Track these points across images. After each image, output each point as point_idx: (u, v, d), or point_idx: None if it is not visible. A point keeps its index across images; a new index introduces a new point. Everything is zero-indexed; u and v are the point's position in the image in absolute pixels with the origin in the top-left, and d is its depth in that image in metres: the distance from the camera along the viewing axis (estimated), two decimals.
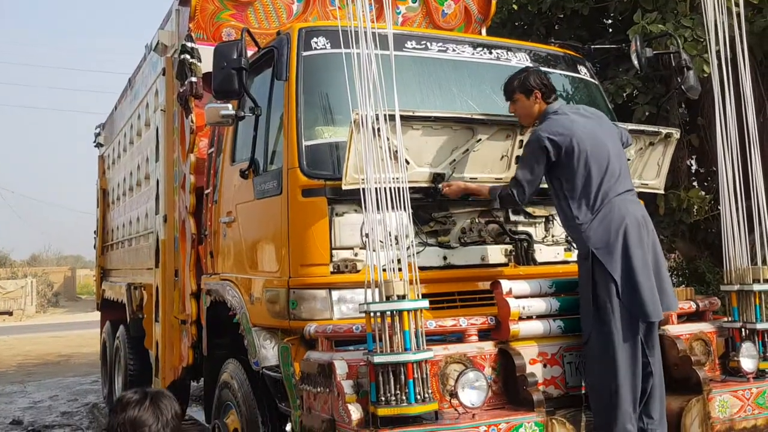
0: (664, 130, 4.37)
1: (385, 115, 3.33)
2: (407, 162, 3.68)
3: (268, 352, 4.04)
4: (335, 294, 3.80)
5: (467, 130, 3.89)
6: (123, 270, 9.04)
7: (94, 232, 11.19)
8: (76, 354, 16.45)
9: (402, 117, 3.51)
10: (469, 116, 3.94)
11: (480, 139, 3.92)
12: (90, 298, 36.03)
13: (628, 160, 4.03)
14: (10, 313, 31.60)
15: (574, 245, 3.86)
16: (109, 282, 9.95)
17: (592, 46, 5.66)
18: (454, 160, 3.92)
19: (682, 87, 4.82)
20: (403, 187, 3.31)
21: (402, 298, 3.11)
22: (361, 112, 3.35)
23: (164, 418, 2.34)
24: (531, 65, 4.35)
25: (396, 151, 3.43)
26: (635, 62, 4.83)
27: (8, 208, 54.79)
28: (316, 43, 4.14)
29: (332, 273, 3.81)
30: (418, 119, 3.76)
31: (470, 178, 4.02)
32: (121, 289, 8.40)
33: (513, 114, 4.00)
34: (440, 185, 3.93)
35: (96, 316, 11.36)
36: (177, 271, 6.15)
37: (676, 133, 4.42)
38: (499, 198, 3.81)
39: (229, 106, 4.46)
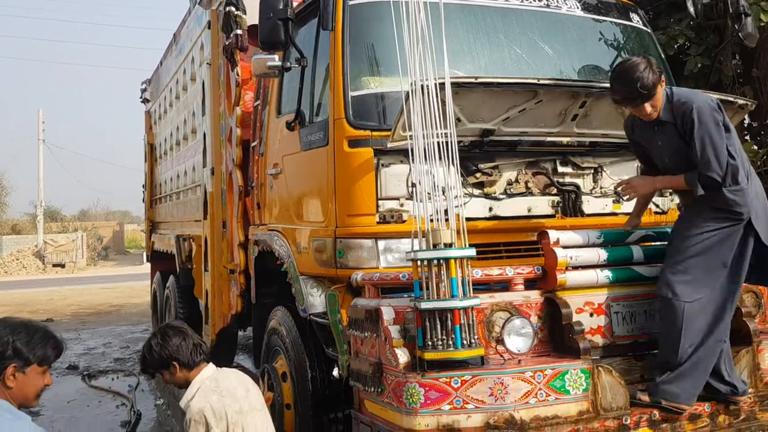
0: (740, 101, 4.15)
1: (441, 83, 3.31)
2: (458, 120, 3.64)
3: (315, 299, 4.14)
4: (381, 243, 3.84)
5: (529, 92, 3.79)
6: (172, 222, 9.26)
7: (143, 186, 11.46)
8: (126, 304, 17.04)
9: (464, 83, 3.47)
10: (536, 81, 3.79)
11: (541, 101, 3.82)
12: (137, 252, 37.13)
13: None
14: (63, 266, 32.78)
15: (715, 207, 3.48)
16: (158, 234, 10.22)
17: None
18: (508, 117, 3.87)
19: (739, 34, 4.65)
20: (451, 142, 3.31)
21: (449, 246, 3.14)
22: (417, 81, 3.31)
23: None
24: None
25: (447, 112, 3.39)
26: (690, 9, 4.67)
27: (58, 165, 56.26)
28: None
29: (378, 223, 3.85)
30: (480, 85, 3.63)
31: (520, 132, 3.98)
32: (170, 240, 8.63)
33: (639, 115, 3.56)
34: (620, 190, 3.80)
35: (144, 269, 11.76)
36: (225, 223, 6.29)
37: (751, 105, 4.23)
38: (701, 185, 3.42)
39: (276, 57, 4.46)
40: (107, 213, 54.65)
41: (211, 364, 3.11)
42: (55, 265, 32.85)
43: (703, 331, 3.35)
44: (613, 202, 4.30)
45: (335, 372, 4.14)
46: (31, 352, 2.39)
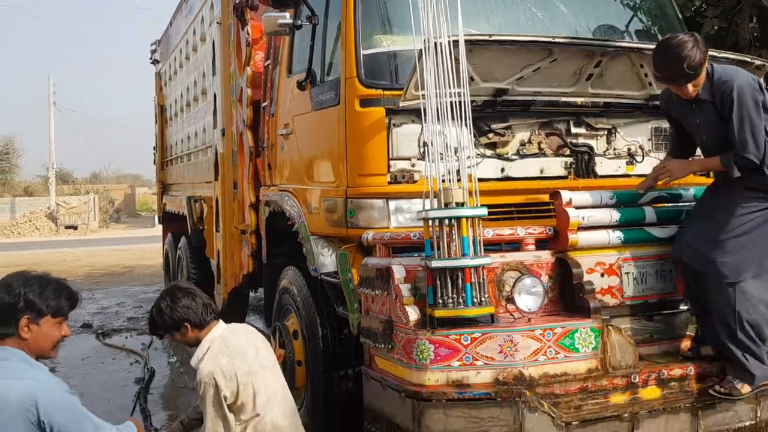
0: (756, 61, 4.06)
1: (455, 41, 3.26)
2: (471, 79, 3.60)
3: (326, 259, 4.16)
4: (392, 204, 3.84)
5: (544, 50, 3.73)
6: (183, 184, 9.30)
7: (154, 148, 11.48)
8: (138, 266, 17.21)
9: (478, 41, 3.42)
10: (551, 40, 3.72)
11: (556, 59, 3.76)
12: (149, 215, 37.36)
13: None
14: (75, 228, 33.06)
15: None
16: (169, 196, 10.27)
17: None
18: (522, 76, 3.82)
19: None
20: (465, 101, 3.28)
21: (460, 205, 3.14)
22: (430, 39, 3.26)
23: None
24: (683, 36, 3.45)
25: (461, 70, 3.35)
26: None
27: (69, 128, 56.29)
28: None
29: (389, 183, 3.84)
30: (494, 43, 3.58)
31: (534, 92, 3.93)
32: (181, 202, 8.68)
33: (679, 93, 3.44)
34: (660, 176, 3.69)
35: (155, 231, 11.81)
36: (236, 184, 6.30)
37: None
38: (737, 166, 3.35)
39: (287, 14, 4.43)
40: (118, 176, 54.97)
41: (221, 321, 3.14)
42: (67, 227, 33.13)
43: (759, 306, 3.33)
44: (627, 163, 4.27)
45: (346, 330, 4.19)
46: (44, 303, 2.40)
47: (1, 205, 35.80)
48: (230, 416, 2.91)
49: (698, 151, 3.78)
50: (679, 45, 3.29)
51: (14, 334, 2.36)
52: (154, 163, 11.43)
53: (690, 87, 3.36)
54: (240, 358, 2.97)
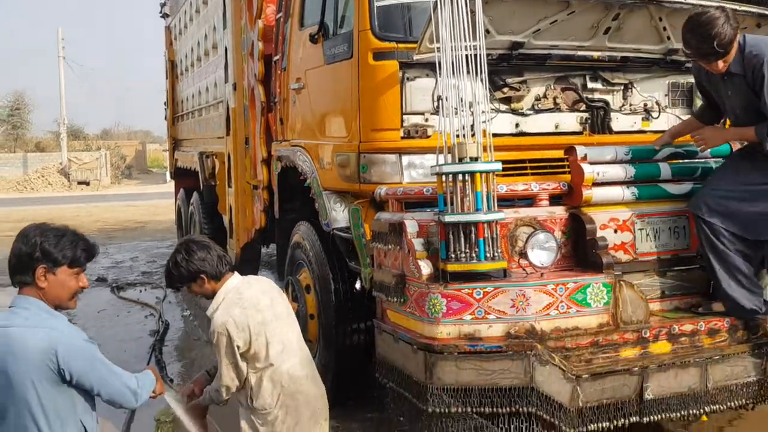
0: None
1: None
2: (487, 32, 3.54)
3: (338, 214, 4.17)
4: (405, 159, 3.83)
5: (561, 2, 3.65)
6: (194, 140, 9.29)
7: (164, 103, 11.42)
8: (151, 221, 17.34)
9: None
10: None
11: (573, 12, 3.68)
12: (160, 172, 37.47)
13: None
14: (87, 183, 33.26)
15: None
16: (181, 151, 10.27)
17: None
18: (539, 29, 3.76)
19: None
20: (480, 54, 3.23)
21: (474, 160, 3.12)
22: None
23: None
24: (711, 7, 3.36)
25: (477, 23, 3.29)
26: None
27: (79, 83, 56.08)
28: None
29: (402, 138, 3.82)
30: None
31: (550, 46, 3.87)
32: (193, 157, 8.68)
33: (709, 68, 3.37)
34: (695, 143, 3.62)
35: (167, 187, 11.83)
36: (247, 139, 6.29)
37: None
38: None
39: None
40: (129, 132, 54.95)
41: (236, 273, 3.17)
42: (79, 183, 33.33)
43: None
44: (643, 119, 4.22)
45: (357, 284, 4.22)
46: (59, 252, 2.42)
47: (14, 160, 35.99)
48: (242, 365, 2.96)
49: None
50: (710, 22, 3.19)
51: (32, 283, 2.39)
52: (165, 118, 11.40)
53: (720, 63, 3.29)
54: (253, 308, 3.01)
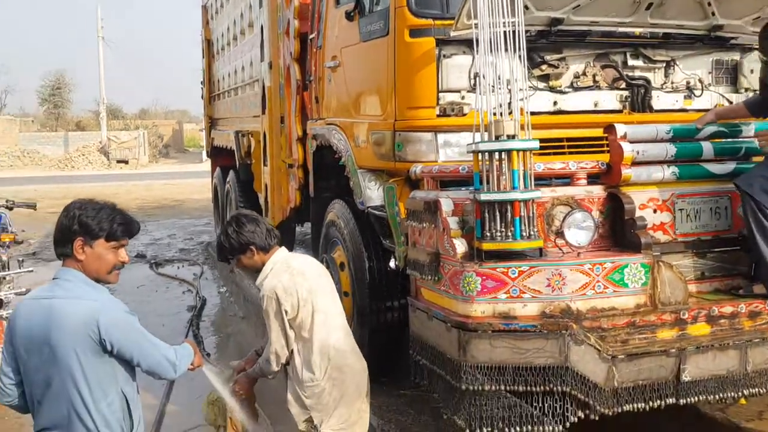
0: None
1: None
2: (526, 8, 3.49)
3: (373, 192, 4.17)
4: (441, 137, 3.81)
5: None
6: (230, 118, 9.36)
7: (201, 82, 11.51)
8: (188, 200, 17.61)
9: None
10: None
11: None
12: (196, 151, 37.90)
13: None
14: (126, 162, 33.86)
15: None
16: (217, 130, 10.36)
17: None
18: (578, 5, 3.68)
19: None
20: (518, 31, 3.18)
21: (512, 137, 3.09)
22: None
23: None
24: None
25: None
26: None
27: (117, 63, 56.85)
28: None
29: (438, 116, 3.80)
30: None
31: (590, 22, 3.79)
32: (229, 136, 8.75)
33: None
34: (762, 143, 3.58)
35: (203, 167, 11.94)
36: (283, 118, 6.31)
37: None
38: None
39: None
40: (166, 112, 55.64)
41: (283, 247, 3.24)
42: (119, 161, 33.94)
43: None
44: (685, 97, 4.12)
45: (392, 263, 4.23)
46: (96, 225, 2.45)
47: (56, 139, 36.81)
48: (290, 333, 3.02)
49: None
50: None
51: (71, 254, 2.45)
52: (202, 98, 11.50)
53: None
54: (301, 276, 3.07)
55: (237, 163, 8.22)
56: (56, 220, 2.49)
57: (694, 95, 4.12)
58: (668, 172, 3.44)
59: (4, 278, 5.36)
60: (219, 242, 3.23)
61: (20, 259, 5.82)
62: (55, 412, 2.41)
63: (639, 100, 4.00)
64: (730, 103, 4.21)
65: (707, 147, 3.59)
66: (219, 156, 9.96)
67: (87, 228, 2.45)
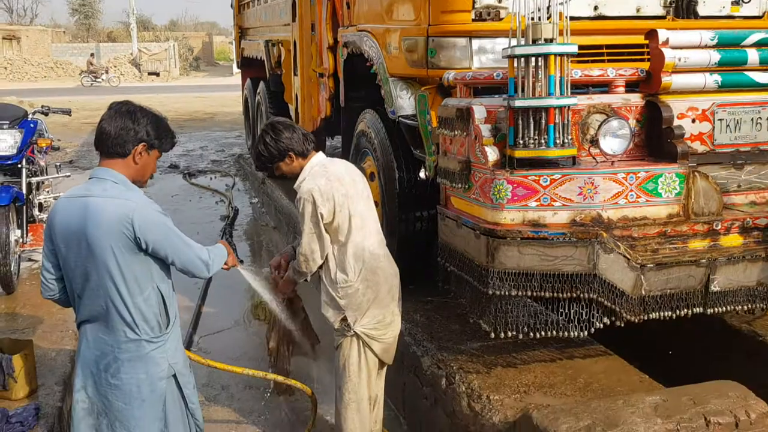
0: None
1: None
2: None
3: (404, 101, 4.12)
4: (476, 42, 3.70)
5: None
6: (260, 28, 9.21)
7: None
8: (219, 112, 17.62)
9: None
10: None
11: None
12: (227, 64, 37.62)
13: None
14: (158, 74, 33.83)
15: None
16: (247, 40, 10.23)
17: None
18: None
19: None
20: None
21: (549, 42, 2.98)
22: None
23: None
24: None
25: None
26: None
27: None
28: None
29: (474, 20, 3.67)
30: None
31: None
32: (259, 45, 8.64)
33: None
34: None
35: (234, 80, 11.85)
36: (313, 25, 6.19)
37: None
38: None
39: None
40: (196, 24, 55.05)
41: (320, 152, 3.24)
42: (150, 74, 33.92)
43: None
44: (732, 3, 3.91)
45: (422, 173, 4.22)
46: (157, 136, 2.58)
47: (87, 50, 36.72)
48: (326, 236, 3.07)
49: None
50: None
51: (125, 155, 2.50)
52: (231, 6, 11.30)
53: None
54: (338, 181, 3.09)
55: (267, 73, 8.16)
56: (110, 118, 2.50)
57: (742, 1, 3.91)
58: (710, 80, 3.31)
59: (43, 183, 5.49)
60: (257, 151, 3.24)
61: (57, 164, 5.94)
62: (94, 306, 2.51)
63: (684, 5, 3.81)
64: None
65: (752, 54, 3.42)
66: (249, 67, 9.88)
67: (151, 136, 2.54)
